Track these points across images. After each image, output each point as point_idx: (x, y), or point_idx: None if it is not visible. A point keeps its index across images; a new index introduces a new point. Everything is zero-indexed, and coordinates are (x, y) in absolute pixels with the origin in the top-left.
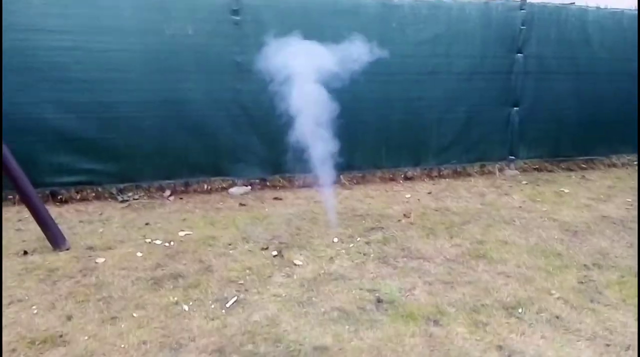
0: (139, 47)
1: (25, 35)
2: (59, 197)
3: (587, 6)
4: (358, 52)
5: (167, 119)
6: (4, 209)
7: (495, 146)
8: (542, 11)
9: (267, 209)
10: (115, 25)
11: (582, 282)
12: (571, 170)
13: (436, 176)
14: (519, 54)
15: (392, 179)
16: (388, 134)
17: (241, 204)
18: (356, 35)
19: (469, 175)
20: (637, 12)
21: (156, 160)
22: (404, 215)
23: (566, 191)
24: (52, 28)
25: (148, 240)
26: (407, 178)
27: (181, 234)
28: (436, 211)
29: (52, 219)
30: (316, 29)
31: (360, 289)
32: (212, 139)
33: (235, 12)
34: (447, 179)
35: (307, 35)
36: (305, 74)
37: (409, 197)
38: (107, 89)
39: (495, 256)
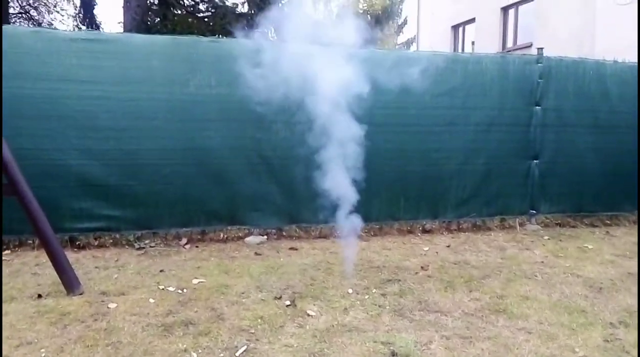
0: (164, 97)
1: (58, 85)
2: (77, 243)
3: (605, 60)
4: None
5: (188, 167)
6: (22, 254)
7: (515, 200)
8: (559, 65)
9: (282, 259)
10: (143, 76)
11: (607, 341)
12: (595, 225)
13: (455, 230)
14: (537, 107)
15: (410, 232)
16: (406, 186)
17: (256, 253)
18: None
19: (489, 229)
20: None
21: (174, 207)
22: (422, 267)
23: (590, 246)
24: (83, 78)
25: (161, 287)
26: (425, 231)
27: (195, 281)
28: (455, 264)
29: (68, 263)
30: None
31: (375, 341)
32: (230, 188)
33: (257, 64)
34: (466, 233)
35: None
36: (324, 125)
37: (426, 250)
38: (132, 137)
39: (516, 311)
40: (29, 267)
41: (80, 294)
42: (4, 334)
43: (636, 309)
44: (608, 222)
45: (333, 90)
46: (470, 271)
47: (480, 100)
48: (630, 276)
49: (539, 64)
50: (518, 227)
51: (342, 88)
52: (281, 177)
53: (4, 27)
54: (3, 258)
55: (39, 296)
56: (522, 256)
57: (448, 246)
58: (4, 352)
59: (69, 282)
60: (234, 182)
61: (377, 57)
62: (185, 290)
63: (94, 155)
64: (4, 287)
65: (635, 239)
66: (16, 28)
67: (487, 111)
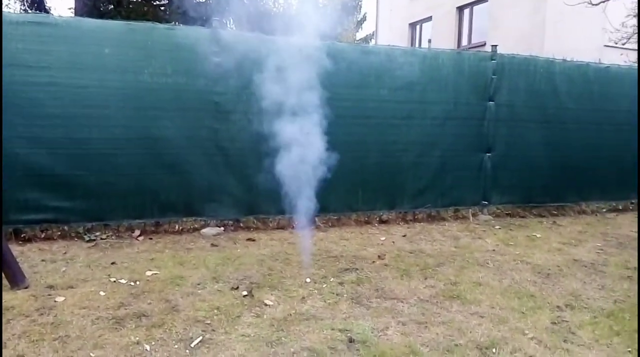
0: (117, 84)
1: (2, 70)
2: (22, 235)
3: (554, 58)
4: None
5: (141, 157)
6: None
7: (469, 191)
8: (511, 62)
9: (239, 250)
10: (94, 62)
11: (555, 323)
12: (542, 216)
13: (411, 220)
14: (490, 102)
15: (367, 222)
16: (364, 177)
17: (213, 245)
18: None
19: (443, 219)
20: (600, 65)
21: (127, 199)
22: (378, 257)
23: (538, 235)
24: (30, 64)
25: (113, 279)
26: (382, 221)
27: (148, 273)
28: (410, 253)
29: (12, 256)
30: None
31: (332, 329)
32: (186, 179)
33: (215, 53)
34: (421, 223)
35: (287, 76)
36: (282, 115)
37: (383, 240)
38: (82, 125)
39: (469, 296)
40: None
41: (26, 287)
42: None
43: (581, 294)
44: (555, 212)
45: (292, 82)
46: (425, 260)
47: (436, 94)
48: (576, 263)
49: (493, 61)
50: (471, 217)
51: (302, 80)
52: (238, 168)
53: None
54: None
55: None
56: (475, 244)
57: (404, 236)
58: None
59: (13, 276)
60: (190, 173)
61: (337, 49)
62: (138, 282)
63: (42, 144)
64: None
65: (580, 228)
66: None
67: (443, 105)
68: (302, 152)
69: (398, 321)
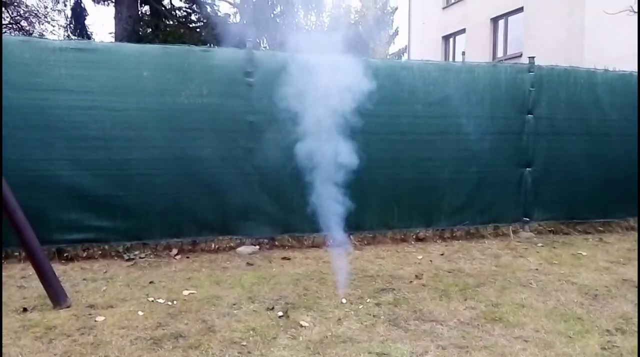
0: (155, 107)
1: (47, 95)
2: (65, 255)
3: (595, 69)
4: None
5: (178, 177)
6: (8, 266)
7: (509, 207)
8: (550, 73)
9: (274, 269)
10: (133, 86)
11: (605, 349)
12: (588, 232)
13: (449, 238)
14: (529, 115)
15: (403, 240)
16: (399, 194)
17: (248, 264)
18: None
19: (483, 237)
20: None
21: (165, 218)
22: (416, 276)
23: (584, 253)
24: (72, 88)
25: (151, 299)
26: (418, 239)
27: (185, 293)
28: (449, 272)
29: (55, 275)
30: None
31: (369, 352)
32: (222, 198)
33: (249, 74)
34: (460, 241)
35: (321, 94)
36: (316, 134)
37: (420, 259)
38: (122, 147)
39: (512, 319)
40: (15, 279)
41: (68, 307)
42: None
43: (633, 317)
44: (601, 228)
45: (326, 100)
46: (464, 279)
47: (472, 109)
48: (625, 283)
49: (531, 73)
50: (512, 234)
51: (335, 97)
52: (273, 187)
53: None
54: None
55: (24, 309)
56: (517, 263)
57: (442, 254)
58: None
59: (56, 295)
60: (226, 192)
61: (370, 66)
62: (175, 302)
63: (83, 165)
64: None
65: (629, 246)
66: (6, 37)
67: (479, 120)
68: (336, 169)
69: (437, 345)
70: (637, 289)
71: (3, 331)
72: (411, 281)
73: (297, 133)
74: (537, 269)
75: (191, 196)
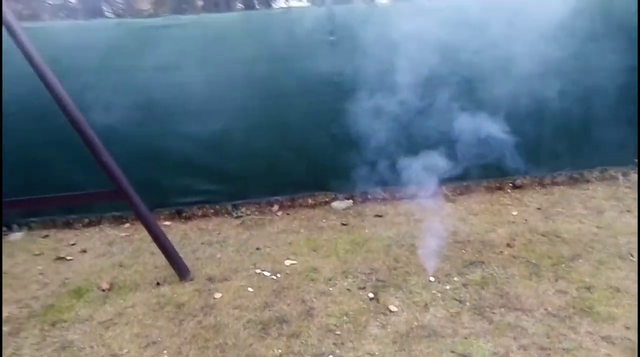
0: (242, 75)
1: (148, 74)
2: (183, 215)
3: None
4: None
5: (273, 141)
6: (140, 227)
7: (618, 148)
8: None
9: (367, 230)
10: (220, 56)
11: None
12: None
13: (548, 184)
14: None
15: (499, 188)
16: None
17: (343, 224)
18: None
19: (587, 181)
20: None
21: (264, 179)
22: (507, 244)
23: None
24: (167, 65)
25: (258, 270)
26: (515, 187)
27: (287, 263)
28: (543, 236)
29: (176, 252)
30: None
31: (452, 351)
32: (314, 157)
33: (331, 32)
34: (561, 187)
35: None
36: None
37: (515, 215)
38: (218, 117)
39: (602, 310)
40: (146, 243)
41: (191, 279)
42: (134, 330)
43: None
44: None
45: (420, 47)
46: (559, 248)
47: (577, 41)
48: None
49: None
50: (621, 178)
51: (432, 41)
52: (361, 143)
53: (95, 21)
54: (124, 233)
55: (158, 283)
56: (621, 222)
57: (539, 208)
58: (134, 352)
59: (179, 271)
60: (317, 152)
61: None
62: (278, 275)
63: (188, 137)
64: (129, 269)
65: None
66: (102, 21)
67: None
68: (427, 117)
69: (520, 345)
70: None
71: (144, 309)
72: (502, 251)
73: (385, 86)
74: None
75: (286, 157)
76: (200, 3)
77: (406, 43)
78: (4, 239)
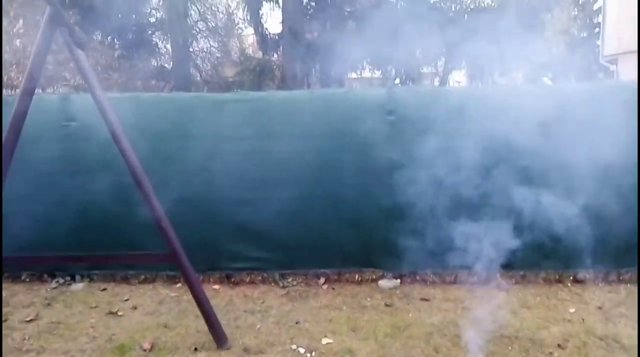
0: (303, 149)
1: (214, 142)
2: (232, 280)
3: None
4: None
5: (325, 212)
6: (189, 291)
7: None
8: None
9: (410, 314)
10: (286, 131)
11: None
12: None
13: (614, 281)
14: None
15: (558, 281)
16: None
17: (387, 305)
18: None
19: None
20: None
21: (314, 250)
22: (559, 345)
23: None
24: (235, 135)
25: (294, 346)
26: (576, 281)
27: (324, 342)
28: (601, 340)
29: (217, 319)
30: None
31: None
32: (364, 232)
33: (390, 112)
34: (628, 285)
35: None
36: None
37: (572, 312)
38: (275, 186)
39: None
40: (193, 306)
41: (228, 348)
42: None
43: None
44: None
45: (473, 131)
46: (617, 356)
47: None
48: None
49: None
50: None
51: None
52: (414, 222)
53: (175, 94)
54: (175, 293)
55: (195, 349)
56: None
57: (600, 308)
58: None
59: (218, 338)
60: (368, 227)
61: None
62: (313, 353)
63: (244, 203)
64: (172, 331)
65: None
66: (180, 95)
67: None
68: (486, 200)
69: None
70: None
71: None
72: (551, 352)
73: (441, 169)
74: None
75: (337, 230)
76: (278, 74)
77: (463, 124)
78: (67, 289)
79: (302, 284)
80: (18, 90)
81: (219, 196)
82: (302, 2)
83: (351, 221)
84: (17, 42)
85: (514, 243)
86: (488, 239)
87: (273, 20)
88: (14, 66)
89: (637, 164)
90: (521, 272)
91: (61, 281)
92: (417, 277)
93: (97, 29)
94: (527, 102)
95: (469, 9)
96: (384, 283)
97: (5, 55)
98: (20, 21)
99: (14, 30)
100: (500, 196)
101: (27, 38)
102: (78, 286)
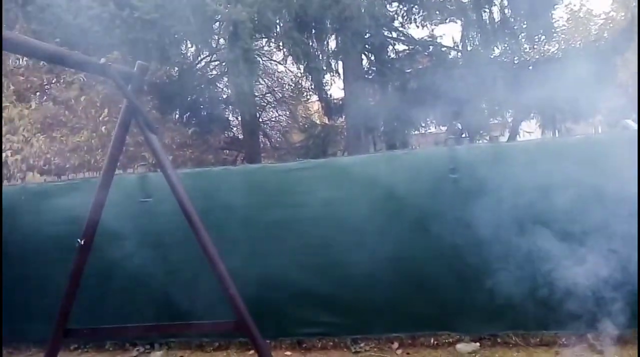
0: (366, 213)
1: (278, 210)
2: (304, 345)
3: None
4: None
5: (393, 275)
6: None
7: None
8: None
9: None
10: (350, 194)
11: None
12: None
13: None
14: None
15: None
16: None
17: None
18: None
19: None
20: None
21: (384, 313)
22: None
23: None
24: (300, 203)
25: None
26: None
27: None
28: None
29: None
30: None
31: None
32: (437, 293)
33: (453, 170)
34: None
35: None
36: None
37: None
38: (341, 250)
39: None
40: None
41: None
42: None
43: None
44: None
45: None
46: None
47: None
48: None
49: None
50: None
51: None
52: (490, 281)
53: (240, 167)
54: None
55: None
56: None
57: None
58: None
59: None
60: (439, 288)
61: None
62: None
63: (309, 268)
64: None
65: None
66: (250, 166)
67: None
68: (566, 253)
69: None
70: None
71: None
72: None
73: (513, 226)
74: None
75: (407, 292)
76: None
77: (528, 180)
78: None
79: (375, 349)
80: (100, 172)
81: (285, 262)
82: (363, 68)
83: (422, 282)
84: (103, 128)
85: (600, 300)
86: (573, 294)
87: (336, 87)
88: (99, 150)
89: None
90: (616, 332)
91: (141, 349)
92: (498, 340)
93: (174, 109)
94: (599, 149)
95: (534, 59)
96: (462, 347)
97: (92, 141)
98: (105, 110)
99: (100, 118)
100: (584, 249)
101: (111, 124)
102: (156, 354)
